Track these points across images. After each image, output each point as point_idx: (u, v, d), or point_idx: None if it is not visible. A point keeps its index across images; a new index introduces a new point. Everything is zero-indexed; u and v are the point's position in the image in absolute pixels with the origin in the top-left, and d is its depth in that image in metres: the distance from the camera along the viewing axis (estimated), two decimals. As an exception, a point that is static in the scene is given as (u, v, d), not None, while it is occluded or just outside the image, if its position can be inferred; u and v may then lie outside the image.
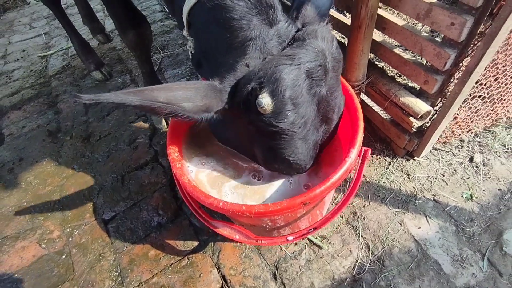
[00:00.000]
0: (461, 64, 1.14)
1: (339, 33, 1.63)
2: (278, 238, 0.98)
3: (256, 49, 0.77)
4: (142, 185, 1.65)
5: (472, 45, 1.08)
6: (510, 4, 0.92)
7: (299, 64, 0.71)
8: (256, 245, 1.06)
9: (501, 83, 1.41)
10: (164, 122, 1.90)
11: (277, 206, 0.81)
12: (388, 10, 1.97)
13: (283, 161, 0.85)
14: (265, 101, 0.69)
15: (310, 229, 0.94)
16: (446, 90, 1.23)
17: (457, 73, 1.17)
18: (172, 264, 1.36)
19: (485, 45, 1.02)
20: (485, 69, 1.26)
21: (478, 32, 1.04)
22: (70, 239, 1.50)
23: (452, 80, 1.20)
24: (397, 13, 2.02)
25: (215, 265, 1.33)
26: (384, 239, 1.31)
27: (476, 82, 1.36)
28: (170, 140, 1.04)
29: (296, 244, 1.35)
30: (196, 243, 1.41)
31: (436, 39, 1.15)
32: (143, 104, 0.66)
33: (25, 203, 1.67)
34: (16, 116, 2.19)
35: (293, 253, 1.32)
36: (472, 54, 1.08)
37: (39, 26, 3.20)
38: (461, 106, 1.36)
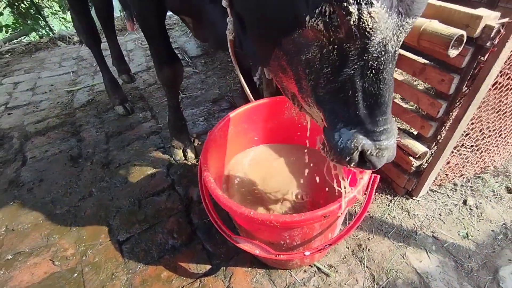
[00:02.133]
0: (451, 113, 1.35)
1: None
2: (296, 253, 1.08)
3: None
4: (158, 210, 1.73)
5: (459, 98, 1.30)
6: (488, 67, 1.15)
7: None
8: (275, 259, 1.13)
9: (486, 136, 1.62)
10: (181, 154, 2.05)
11: (301, 216, 0.93)
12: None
13: None
14: None
15: (326, 245, 1.05)
16: (439, 135, 1.43)
17: (448, 121, 1.38)
18: (184, 286, 1.40)
19: (470, 98, 1.24)
20: (472, 123, 1.48)
21: (464, 87, 1.26)
22: (84, 257, 1.54)
23: (444, 126, 1.40)
24: (396, 70, 2.32)
25: (226, 288, 1.38)
26: (388, 271, 1.39)
27: (466, 135, 1.57)
28: (204, 162, 1.17)
29: (305, 271, 1.41)
30: (208, 266, 1.46)
31: (430, 92, 1.38)
32: None
33: (41, 221, 1.73)
34: (39, 141, 2.32)
35: (302, 279, 1.38)
36: (460, 105, 1.30)
37: (68, 65, 3.50)
38: (453, 151, 1.55)
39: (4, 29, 6.00)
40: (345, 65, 0.66)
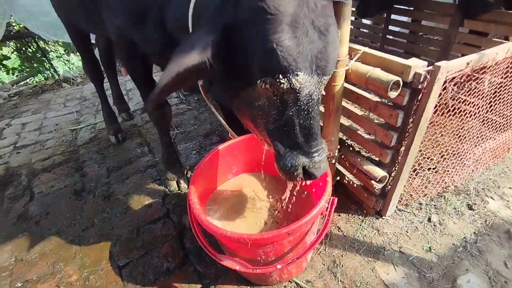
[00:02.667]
0: (403, 142, 1.59)
1: (318, 119, 2.14)
2: (270, 267, 1.26)
3: None
4: (154, 237, 1.91)
5: (407, 129, 1.54)
6: (422, 104, 1.40)
7: None
8: (252, 273, 1.31)
9: (445, 159, 1.85)
10: (175, 185, 2.26)
11: (269, 234, 1.13)
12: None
13: (271, 52, 0.81)
14: None
15: (294, 258, 1.23)
16: (396, 160, 1.65)
17: (401, 148, 1.61)
18: (177, 304, 1.55)
19: (414, 129, 1.48)
20: (432, 147, 1.72)
21: (409, 120, 1.51)
22: (87, 282, 1.70)
23: (399, 153, 1.63)
24: (357, 106, 2.59)
25: (215, 305, 1.53)
26: (359, 284, 1.56)
27: (427, 158, 1.81)
28: (192, 191, 1.39)
29: (285, 287, 1.58)
30: (199, 286, 1.62)
31: (384, 125, 1.62)
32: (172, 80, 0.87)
33: (48, 251, 1.90)
34: (46, 177, 2.53)
35: (283, 294, 1.54)
36: (408, 135, 1.54)
37: (71, 105, 3.79)
38: (412, 174, 1.77)
39: (11, 71, 6.41)
40: (286, 109, 0.95)
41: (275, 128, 1.00)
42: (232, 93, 1.05)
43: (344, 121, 1.84)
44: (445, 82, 1.39)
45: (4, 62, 6.18)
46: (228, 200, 1.69)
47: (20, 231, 2.06)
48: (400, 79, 1.34)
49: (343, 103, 1.72)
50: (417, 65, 1.33)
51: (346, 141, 1.91)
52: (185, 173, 2.35)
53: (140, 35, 1.55)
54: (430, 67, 1.33)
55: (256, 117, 1.03)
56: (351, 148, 1.87)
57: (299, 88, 0.87)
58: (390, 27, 3.31)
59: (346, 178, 1.96)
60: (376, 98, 1.59)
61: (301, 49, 0.83)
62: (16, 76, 6.41)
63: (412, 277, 1.57)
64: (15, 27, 5.52)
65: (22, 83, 5.42)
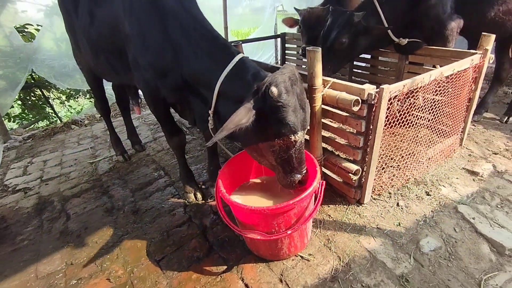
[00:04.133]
0: (368, 144, 2.17)
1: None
2: (282, 233, 1.74)
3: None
4: (182, 236, 2.34)
5: (370, 133, 2.13)
6: (377, 115, 2.01)
7: (284, 74, 1.52)
8: (269, 240, 1.77)
9: (403, 158, 2.45)
10: (193, 197, 2.72)
11: (281, 205, 1.64)
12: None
13: (285, 125, 1.53)
14: (273, 89, 1.46)
15: (299, 225, 1.73)
16: (365, 158, 2.23)
17: (368, 148, 2.19)
18: (209, 281, 1.97)
19: (374, 133, 2.08)
20: (396, 150, 2.31)
21: (369, 126, 2.11)
22: (131, 274, 2.09)
23: (367, 153, 2.21)
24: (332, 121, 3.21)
25: (240, 278, 1.96)
26: (349, 252, 2.04)
27: (391, 159, 2.40)
28: (219, 184, 1.89)
29: (292, 260, 2.04)
30: (225, 267, 2.05)
31: (353, 132, 2.22)
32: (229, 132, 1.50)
33: (93, 255, 2.28)
34: (77, 201, 2.93)
35: (291, 265, 2.00)
36: (370, 138, 2.13)
37: (85, 143, 4.24)
38: (380, 170, 2.34)
39: (12, 119, 6.80)
40: (288, 150, 1.67)
41: (280, 161, 1.71)
42: (250, 141, 1.76)
43: (326, 133, 2.43)
44: (390, 98, 2.02)
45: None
46: (247, 191, 2.19)
47: (65, 243, 2.43)
48: (359, 98, 1.96)
49: (324, 121, 2.33)
50: (369, 88, 1.96)
51: (329, 148, 2.49)
52: (200, 186, 2.83)
53: (162, 82, 2.15)
54: (378, 89, 1.96)
55: (268, 155, 1.74)
56: (332, 152, 2.45)
57: (297, 139, 1.62)
58: (355, 63, 4.09)
59: (331, 177, 2.51)
60: (346, 114, 2.21)
61: (298, 120, 1.58)
62: (17, 123, 6.80)
63: (387, 244, 2.07)
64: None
65: (31, 127, 5.82)
